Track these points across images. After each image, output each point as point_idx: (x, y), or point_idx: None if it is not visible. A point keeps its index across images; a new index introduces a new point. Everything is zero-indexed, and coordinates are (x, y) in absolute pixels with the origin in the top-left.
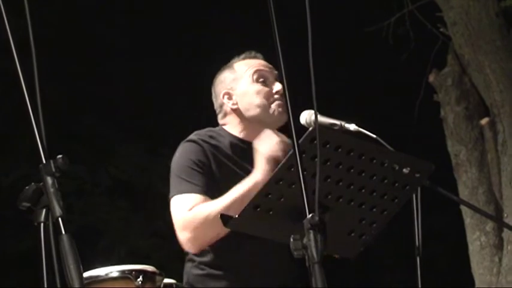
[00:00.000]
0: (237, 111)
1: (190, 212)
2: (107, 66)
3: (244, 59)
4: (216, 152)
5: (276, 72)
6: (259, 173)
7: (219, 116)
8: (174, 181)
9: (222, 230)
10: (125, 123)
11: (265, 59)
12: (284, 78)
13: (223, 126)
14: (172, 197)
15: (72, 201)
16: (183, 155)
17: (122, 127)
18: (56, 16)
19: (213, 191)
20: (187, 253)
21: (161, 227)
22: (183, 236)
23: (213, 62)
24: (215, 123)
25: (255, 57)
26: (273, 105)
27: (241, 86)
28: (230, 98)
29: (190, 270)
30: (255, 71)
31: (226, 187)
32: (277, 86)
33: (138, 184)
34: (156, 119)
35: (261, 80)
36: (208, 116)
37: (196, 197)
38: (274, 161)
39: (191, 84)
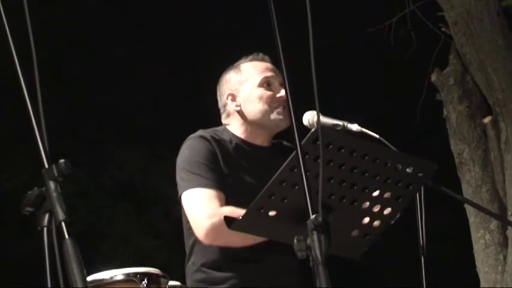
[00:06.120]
0: (239, 113)
1: (214, 217)
2: (107, 69)
3: (251, 60)
4: (221, 149)
5: None
6: None
7: (223, 116)
8: (185, 176)
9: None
10: (126, 125)
11: (273, 61)
12: (286, 80)
13: (227, 126)
14: (184, 191)
15: (75, 203)
16: (192, 150)
17: (123, 129)
18: (55, 19)
19: (223, 186)
20: (189, 256)
21: (164, 228)
22: (204, 235)
23: (214, 63)
24: (216, 125)
25: (262, 60)
26: (275, 111)
27: (246, 89)
28: (234, 99)
29: (192, 275)
30: (261, 76)
31: (232, 184)
32: (282, 91)
33: (140, 186)
34: (157, 120)
35: (266, 84)
36: (209, 118)
37: (210, 192)
38: None
39: (192, 86)
